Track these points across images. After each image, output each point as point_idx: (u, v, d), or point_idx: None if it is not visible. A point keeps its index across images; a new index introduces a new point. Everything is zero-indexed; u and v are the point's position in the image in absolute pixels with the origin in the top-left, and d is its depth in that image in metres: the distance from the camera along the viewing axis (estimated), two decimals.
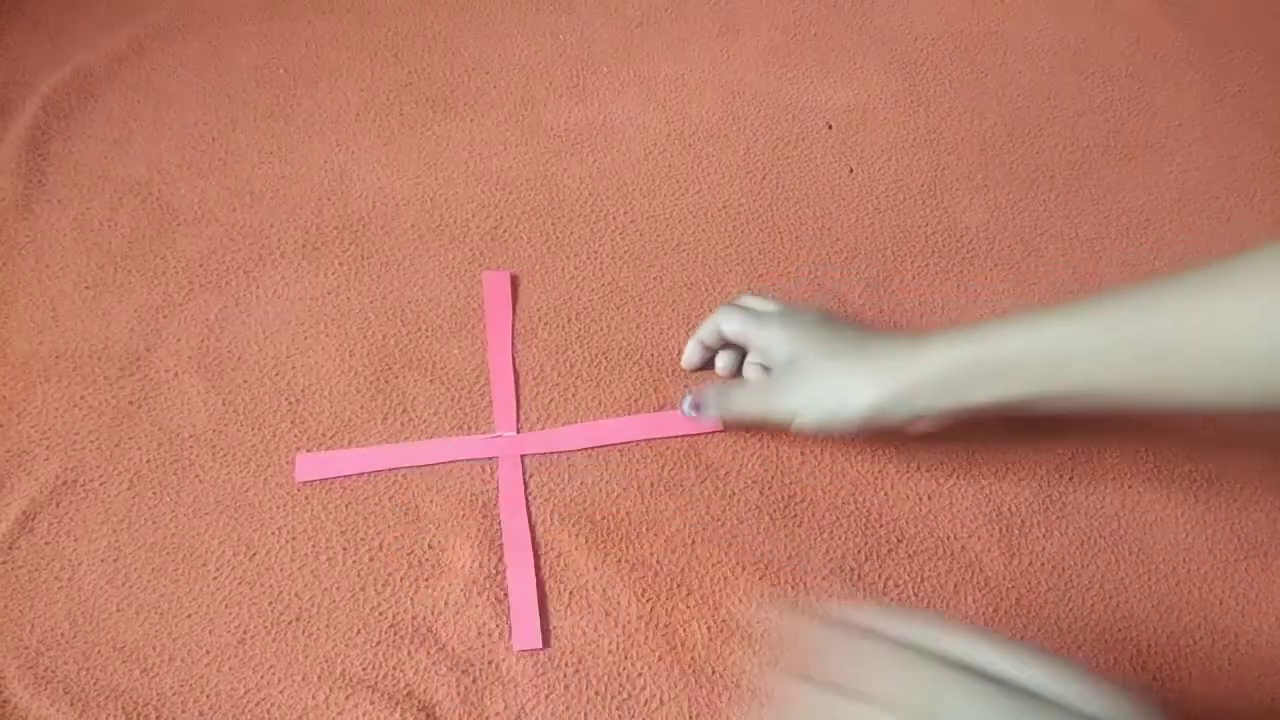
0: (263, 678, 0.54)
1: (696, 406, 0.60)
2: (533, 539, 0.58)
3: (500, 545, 0.58)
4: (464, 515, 0.59)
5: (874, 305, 0.68)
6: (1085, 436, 0.63)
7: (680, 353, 0.65)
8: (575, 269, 0.69)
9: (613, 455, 0.62)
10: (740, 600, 0.57)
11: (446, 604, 0.56)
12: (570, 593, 0.57)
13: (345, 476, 0.60)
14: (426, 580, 0.57)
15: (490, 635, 0.56)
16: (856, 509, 0.60)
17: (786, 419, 0.57)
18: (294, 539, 0.58)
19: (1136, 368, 0.48)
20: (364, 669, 0.54)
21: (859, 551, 0.59)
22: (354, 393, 0.63)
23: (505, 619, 0.56)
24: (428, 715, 0.53)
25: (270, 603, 0.56)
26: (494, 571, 0.57)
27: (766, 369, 0.61)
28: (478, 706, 0.53)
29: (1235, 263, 0.47)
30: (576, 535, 0.59)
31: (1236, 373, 0.46)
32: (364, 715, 0.53)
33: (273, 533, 0.58)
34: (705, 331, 0.63)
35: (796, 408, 0.56)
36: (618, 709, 0.54)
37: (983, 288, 0.69)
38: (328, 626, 0.56)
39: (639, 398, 0.64)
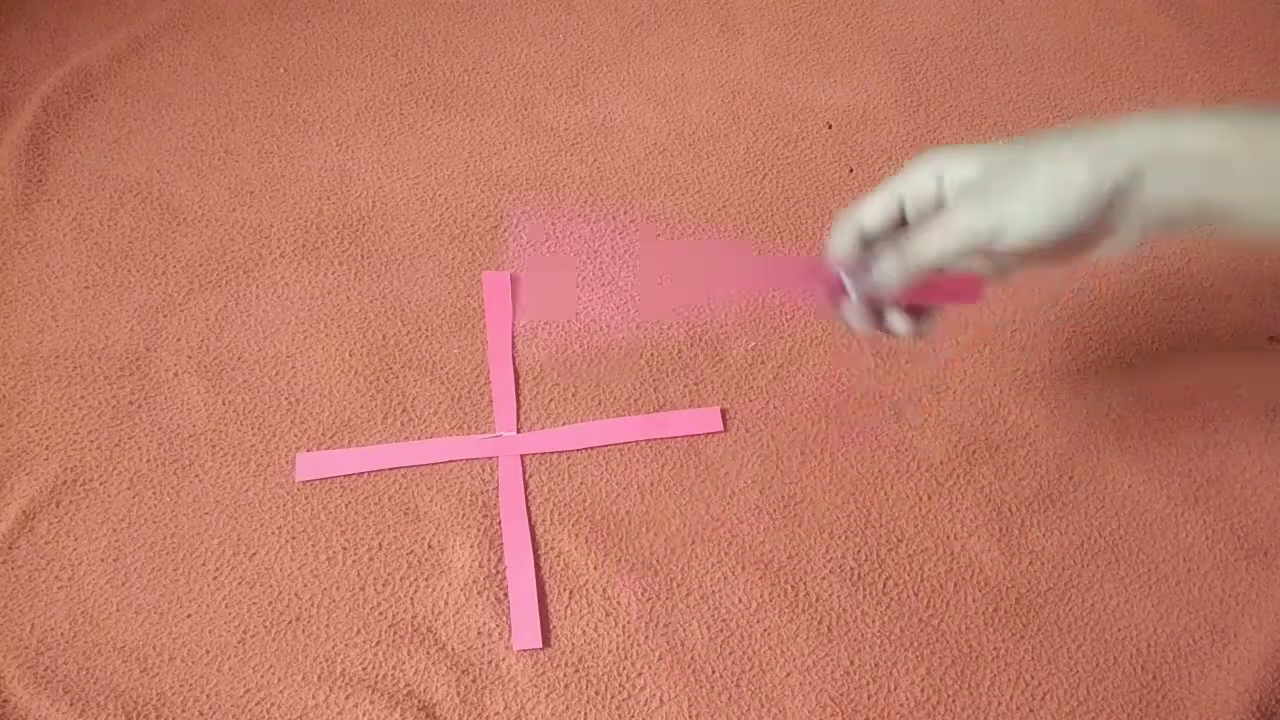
0: (263, 677, 0.54)
1: (878, 294, 0.47)
2: (533, 539, 0.58)
3: (500, 545, 0.58)
4: (464, 515, 0.59)
5: None
6: (1080, 437, 0.63)
7: (678, 352, 0.65)
8: (575, 269, 0.69)
9: (613, 455, 0.62)
10: (739, 599, 0.57)
11: (446, 603, 0.56)
12: (570, 592, 0.57)
13: (345, 476, 0.60)
14: (426, 580, 0.57)
15: (490, 635, 0.56)
16: (856, 509, 0.60)
17: (990, 238, 0.43)
18: (294, 539, 0.58)
19: None
20: (364, 669, 0.54)
21: (859, 551, 0.59)
22: (354, 392, 0.63)
23: (505, 618, 0.56)
24: (428, 715, 0.53)
25: (270, 602, 0.56)
26: (494, 571, 0.57)
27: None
28: (477, 706, 0.53)
29: None
30: (576, 535, 0.59)
31: None
32: (364, 715, 0.53)
33: (273, 532, 0.58)
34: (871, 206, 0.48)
35: (1004, 216, 0.42)
36: (618, 708, 0.54)
37: None
38: (328, 626, 0.56)
39: (639, 398, 0.64)
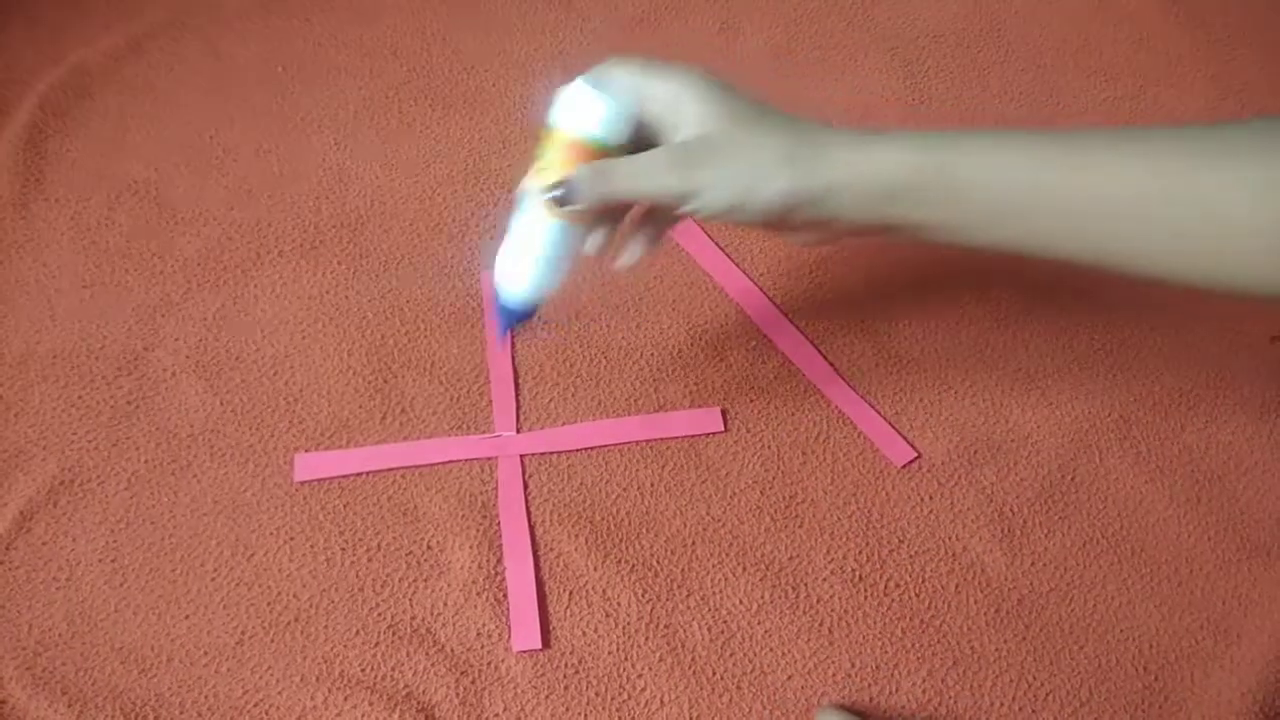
0: (261, 678, 0.54)
1: (563, 198, 0.47)
2: (532, 539, 0.58)
3: (499, 545, 0.58)
4: (463, 515, 0.59)
5: (875, 305, 0.68)
6: (1082, 437, 0.63)
7: (678, 352, 0.65)
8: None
9: (613, 455, 0.62)
10: (740, 600, 0.57)
11: (446, 604, 0.56)
12: (570, 593, 0.57)
13: (344, 476, 0.60)
14: (425, 581, 0.57)
15: (490, 636, 0.55)
16: (857, 509, 0.60)
17: (679, 200, 0.47)
18: (292, 539, 0.58)
19: (1121, 229, 0.43)
20: (363, 670, 0.54)
21: (860, 552, 0.59)
22: (353, 392, 0.63)
23: (505, 619, 0.56)
24: (427, 716, 0.53)
25: (269, 603, 0.56)
26: (493, 572, 0.57)
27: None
28: (477, 707, 0.53)
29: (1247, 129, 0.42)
30: (576, 535, 0.58)
31: (1237, 249, 0.42)
32: (363, 716, 0.53)
33: (271, 533, 0.58)
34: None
35: (698, 187, 0.46)
36: (618, 709, 0.53)
37: (982, 286, 0.69)
38: (326, 627, 0.55)
39: (639, 398, 0.64)
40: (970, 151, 0.44)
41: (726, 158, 0.45)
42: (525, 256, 0.50)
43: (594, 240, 0.51)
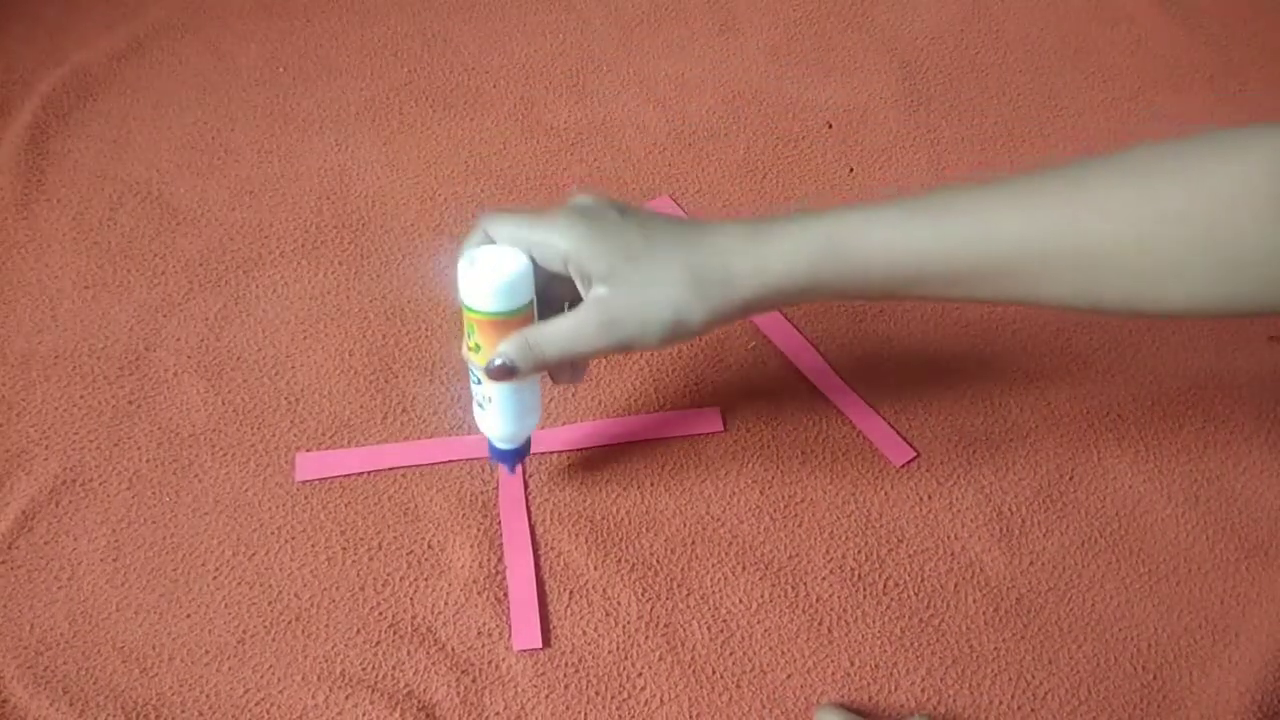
0: (262, 678, 0.54)
1: (502, 375, 0.49)
2: (533, 539, 0.58)
3: (500, 545, 0.58)
4: (464, 515, 0.59)
5: (874, 305, 0.68)
6: (1081, 437, 0.63)
7: (678, 352, 0.65)
8: None
9: (613, 455, 0.62)
10: (740, 599, 0.57)
11: (446, 604, 0.56)
12: (570, 593, 0.57)
13: (345, 476, 0.60)
14: (426, 580, 0.57)
15: (490, 635, 0.55)
16: (856, 509, 0.60)
17: (616, 352, 0.49)
18: (293, 539, 0.58)
19: (1005, 279, 0.46)
20: (364, 669, 0.54)
21: (859, 551, 0.59)
22: (353, 392, 0.63)
23: (505, 619, 0.56)
24: (427, 715, 0.53)
25: (270, 603, 0.56)
26: (494, 571, 0.57)
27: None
28: (477, 706, 0.53)
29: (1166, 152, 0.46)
30: (576, 535, 0.59)
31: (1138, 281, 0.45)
32: (364, 715, 0.53)
33: (272, 532, 0.58)
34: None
35: (629, 339, 0.48)
36: (618, 708, 0.54)
37: None
38: (327, 626, 0.55)
39: (639, 398, 0.64)
40: (851, 229, 0.46)
41: (643, 303, 0.47)
42: (497, 414, 0.53)
43: (558, 378, 0.53)
